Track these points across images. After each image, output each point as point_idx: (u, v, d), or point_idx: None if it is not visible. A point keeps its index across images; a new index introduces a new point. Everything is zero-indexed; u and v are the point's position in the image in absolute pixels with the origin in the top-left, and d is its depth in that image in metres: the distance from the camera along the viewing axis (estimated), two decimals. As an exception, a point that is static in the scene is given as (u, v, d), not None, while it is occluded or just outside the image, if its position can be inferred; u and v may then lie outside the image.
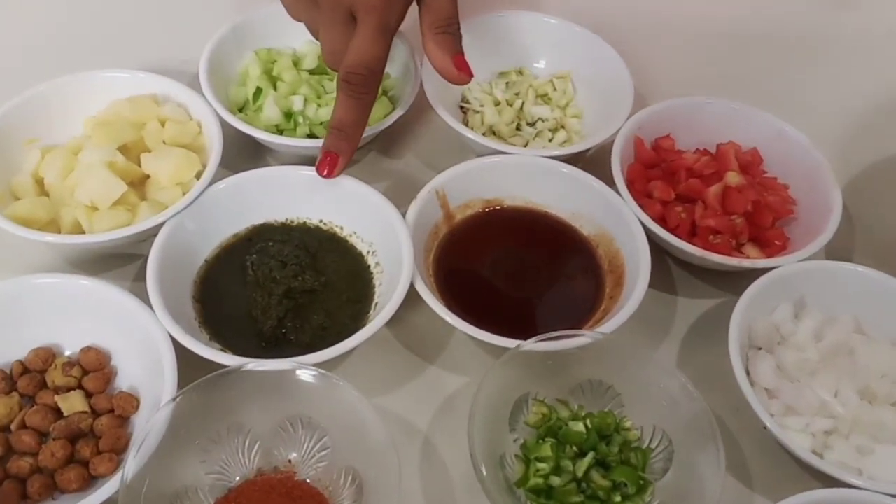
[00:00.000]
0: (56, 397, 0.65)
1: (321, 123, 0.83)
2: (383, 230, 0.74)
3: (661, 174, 0.81)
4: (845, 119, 0.95)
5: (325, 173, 0.72)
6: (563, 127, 0.88)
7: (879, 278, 0.73)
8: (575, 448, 0.64)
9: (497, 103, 0.88)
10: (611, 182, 0.77)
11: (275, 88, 0.84)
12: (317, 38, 0.76)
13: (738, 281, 0.78)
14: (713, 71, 0.98)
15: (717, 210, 0.78)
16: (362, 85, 0.69)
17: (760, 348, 0.72)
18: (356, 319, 0.71)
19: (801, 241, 0.77)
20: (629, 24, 0.98)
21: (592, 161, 0.85)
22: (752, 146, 0.85)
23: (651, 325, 0.76)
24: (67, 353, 0.69)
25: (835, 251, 0.79)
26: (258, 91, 0.83)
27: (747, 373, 0.68)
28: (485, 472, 0.60)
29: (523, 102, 0.89)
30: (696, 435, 0.63)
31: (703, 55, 1.01)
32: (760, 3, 1.08)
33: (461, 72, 0.72)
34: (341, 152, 0.72)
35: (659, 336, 0.76)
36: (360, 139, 0.73)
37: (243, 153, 0.83)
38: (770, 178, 0.83)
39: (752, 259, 0.76)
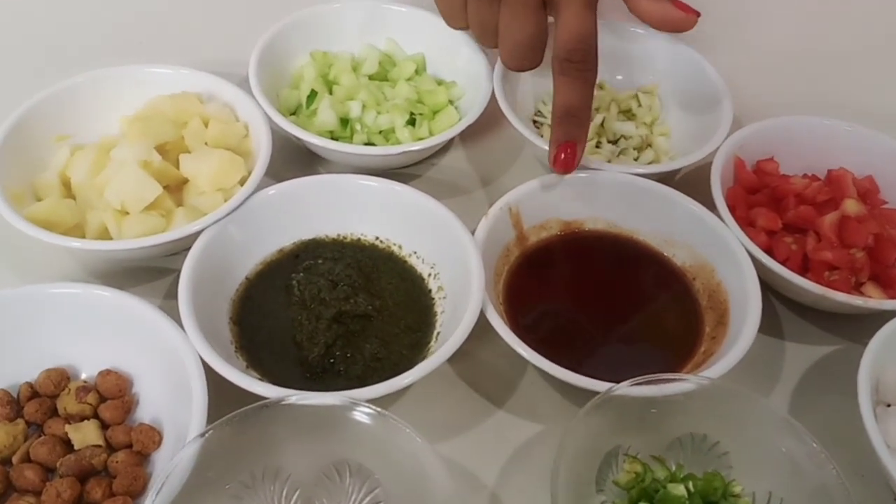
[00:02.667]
0: (67, 427, 0.57)
1: (380, 132, 0.75)
2: (448, 250, 0.64)
3: (764, 200, 0.71)
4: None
5: (564, 167, 0.66)
6: (650, 146, 0.78)
7: None
8: (676, 516, 0.53)
9: (576, 117, 0.79)
10: (708, 207, 0.68)
11: (330, 93, 0.76)
12: (487, 43, 0.72)
13: (855, 325, 0.68)
14: (814, 89, 0.88)
15: (833, 242, 0.68)
16: (583, 62, 0.65)
17: (890, 405, 0.61)
18: (415, 350, 0.62)
19: (931, 281, 0.66)
20: (717, 34, 0.88)
21: (682, 185, 0.75)
22: (866, 173, 0.74)
23: (756, 373, 0.65)
24: (83, 376, 0.61)
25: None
26: (312, 94, 0.75)
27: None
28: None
29: (604, 118, 0.79)
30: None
31: (802, 72, 0.91)
32: (867, 12, 0.98)
33: (687, 13, 0.68)
34: (577, 140, 0.65)
35: (765, 387, 0.65)
36: (590, 123, 0.67)
37: (293, 161, 0.75)
38: (890, 209, 0.72)
39: (878, 299, 0.65)
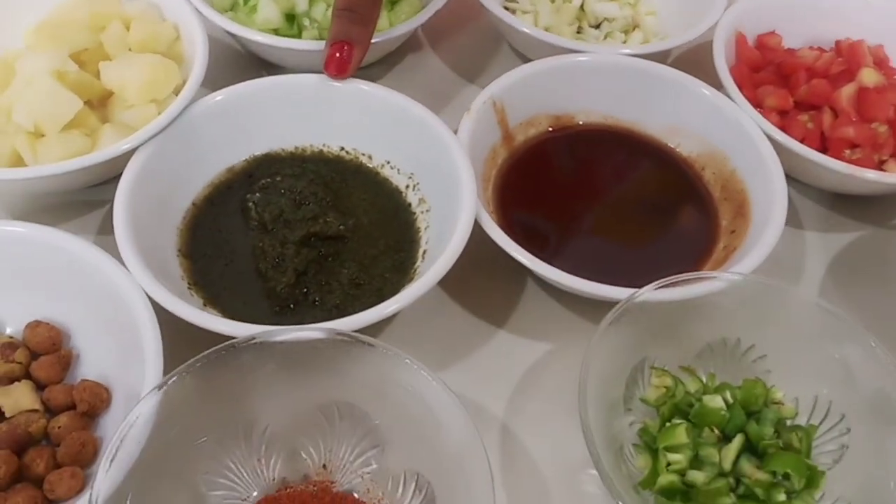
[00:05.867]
0: (-7, 392, 0.47)
1: (332, 28, 0.65)
2: (428, 155, 0.56)
3: (771, 78, 0.64)
4: None
5: (335, 70, 0.56)
6: (637, 27, 0.70)
7: None
8: (716, 431, 0.47)
9: (553, 0, 0.70)
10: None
11: (271, -13, 0.66)
12: None
13: (879, 207, 0.62)
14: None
15: (852, 117, 0.61)
16: None
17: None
18: (399, 273, 0.54)
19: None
20: None
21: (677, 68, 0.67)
22: (876, 42, 0.67)
23: (778, 269, 0.58)
24: (9, 331, 0.53)
25: None
26: (250, -13, 0.64)
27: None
28: (609, 471, 0.42)
29: (582, 1, 0.70)
30: (884, 412, 0.46)
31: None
32: None
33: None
34: (354, 40, 0.56)
35: (789, 280, 0.59)
36: (376, 21, 0.57)
37: (233, 68, 0.67)
38: (907, 79, 0.66)
39: (905, 174, 0.59)
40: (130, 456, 0.41)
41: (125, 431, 0.41)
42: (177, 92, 0.57)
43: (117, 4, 0.61)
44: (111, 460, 0.40)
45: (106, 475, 0.40)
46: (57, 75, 0.55)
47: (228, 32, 0.63)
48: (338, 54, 0.56)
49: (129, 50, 0.59)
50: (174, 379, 0.43)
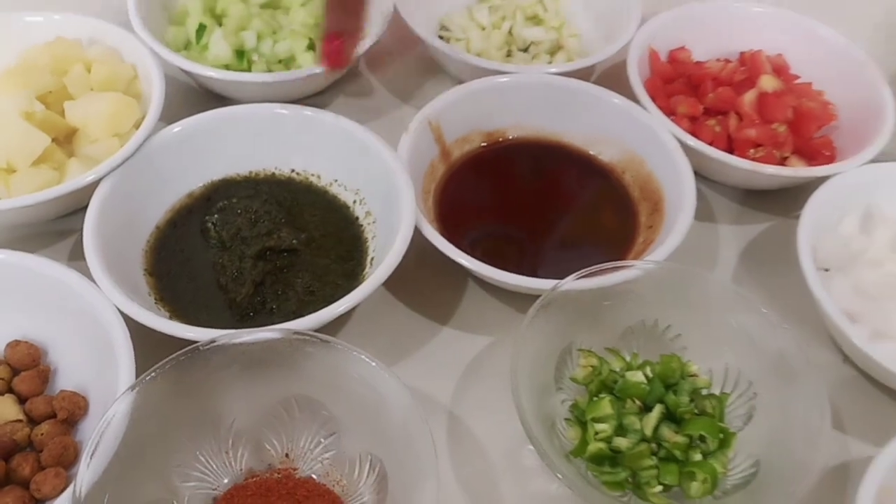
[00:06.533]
0: (-21, 406, 0.51)
1: (280, 61, 0.70)
2: (372, 173, 0.62)
3: (682, 88, 0.71)
4: (878, 13, 0.85)
5: (331, 62, 0.58)
6: (561, 48, 0.76)
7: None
8: (637, 402, 0.52)
9: (483, 28, 0.76)
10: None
11: (221, 26, 0.71)
12: None
13: (784, 201, 0.69)
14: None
15: (755, 119, 0.67)
16: None
17: (828, 269, 0.61)
18: (350, 279, 0.59)
19: (850, 149, 0.67)
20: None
21: (598, 84, 0.73)
22: (776, 52, 0.74)
23: (695, 260, 0.64)
24: None
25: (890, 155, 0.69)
26: (201, 28, 0.70)
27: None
28: (543, 444, 0.47)
29: (511, 26, 0.77)
30: (780, 366, 0.52)
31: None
32: None
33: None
34: (347, 30, 0.58)
35: (705, 269, 0.65)
36: (366, 12, 0.59)
37: (189, 104, 0.71)
38: (804, 84, 0.72)
39: (808, 167, 0.65)
40: (109, 450, 0.45)
41: (103, 428, 0.45)
42: (137, 126, 0.61)
43: (79, 49, 0.65)
44: (91, 454, 0.44)
45: (88, 468, 0.44)
46: (25, 115, 0.59)
47: (183, 70, 0.68)
48: (332, 44, 0.57)
49: (91, 90, 0.63)
50: (146, 380, 0.47)
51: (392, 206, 0.59)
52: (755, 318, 0.53)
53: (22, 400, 0.52)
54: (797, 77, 0.73)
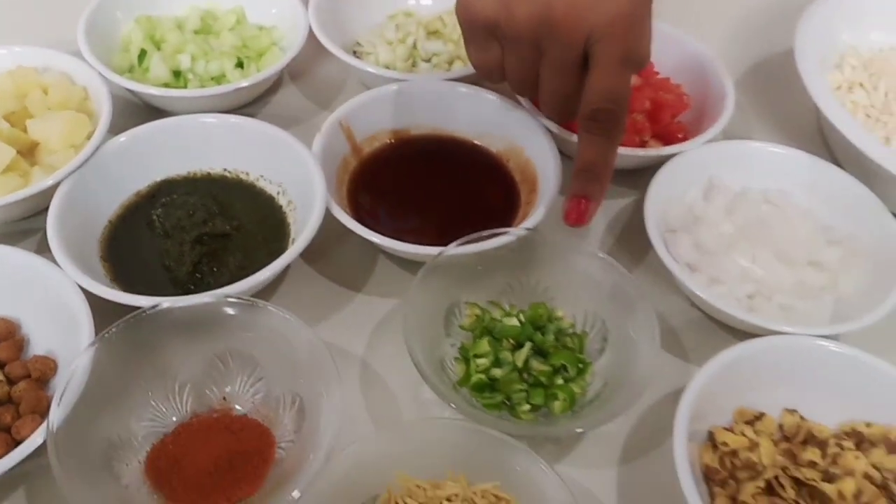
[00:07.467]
0: (-35, 371, 0.61)
1: (212, 79, 0.82)
2: (292, 168, 0.72)
3: (558, 86, 0.82)
4: (726, 22, 0.99)
5: (575, 221, 0.65)
6: (459, 58, 0.88)
7: (781, 151, 0.76)
8: (512, 341, 0.64)
9: (390, 42, 0.88)
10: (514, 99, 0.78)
11: (159, 50, 0.82)
12: (524, 94, 0.71)
13: (648, 177, 0.79)
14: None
15: (617, 110, 0.79)
16: (608, 121, 0.63)
17: (676, 231, 0.73)
18: (275, 256, 0.69)
19: (701, 131, 0.79)
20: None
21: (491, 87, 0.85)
22: (641, 53, 0.87)
23: (569, 230, 0.76)
24: None
25: (734, 136, 0.82)
26: (143, 53, 0.81)
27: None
28: (430, 373, 0.59)
29: (415, 41, 0.89)
30: (623, 303, 0.64)
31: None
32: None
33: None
34: (592, 196, 0.65)
35: (578, 239, 0.77)
36: (609, 181, 0.66)
37: (133, 118, 0.80)
38: (664, 78, 0.85)
39: (655, 147, 0.78)
40: (75, 394, 0.55)
41: (69, 377, 0.55)
42: (89, 137, 0.71)
43: (36, 75, 0.76)
44: (61, 397, 0.55)
45: (59, 408, 0.55)
46: (-7, 133, 0.70)
47: (128, 89, 0.78)
48: (578, 206, 0.65)
49: (49, 109, 0.74)
50: (104, 337, 0.58)
51: (308, 194, 0.70)
52: (597, 263, 0.65)
53: (1, 365, 0.63)
54: (657, 73, 0.86)
